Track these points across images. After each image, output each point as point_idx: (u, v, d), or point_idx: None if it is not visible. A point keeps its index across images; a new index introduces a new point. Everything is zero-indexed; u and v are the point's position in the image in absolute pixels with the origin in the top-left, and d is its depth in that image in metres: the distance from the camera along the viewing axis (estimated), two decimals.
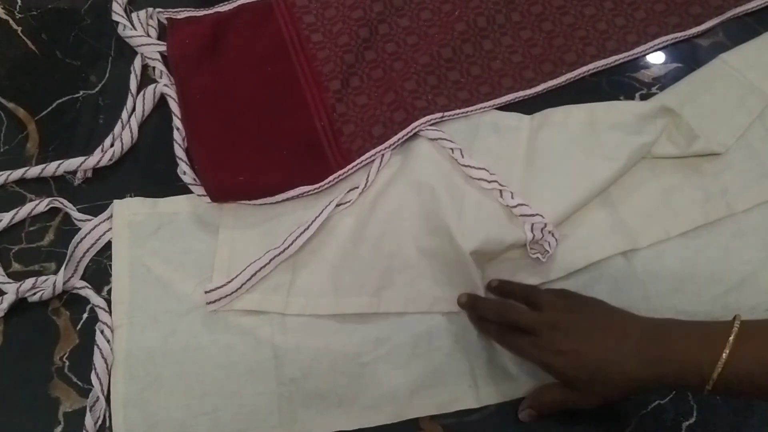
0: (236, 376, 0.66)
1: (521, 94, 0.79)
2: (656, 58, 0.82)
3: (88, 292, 0.68)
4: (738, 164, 0.74)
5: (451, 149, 0.73)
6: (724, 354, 0.51)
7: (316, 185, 0.72)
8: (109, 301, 0.69)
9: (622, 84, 0.81)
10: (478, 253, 0.67)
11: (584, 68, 0.81)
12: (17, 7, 0.85)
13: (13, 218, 0.72)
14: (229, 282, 0.67)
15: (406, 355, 0.66)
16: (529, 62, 0.81)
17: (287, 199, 0.72)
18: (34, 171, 0.74)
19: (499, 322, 0.64)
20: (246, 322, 0.68)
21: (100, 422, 0.64)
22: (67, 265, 0.68)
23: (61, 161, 0.74)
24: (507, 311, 0.63)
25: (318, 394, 0.65)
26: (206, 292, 0.67)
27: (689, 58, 0.82)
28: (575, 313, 0.60)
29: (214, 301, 0.67)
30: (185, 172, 0.73)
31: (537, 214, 0.69)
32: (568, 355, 0.57)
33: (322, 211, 0.70)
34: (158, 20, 0.84)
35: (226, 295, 0.67)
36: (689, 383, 0.53)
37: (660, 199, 0.73)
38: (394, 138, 0.74)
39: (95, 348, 0.66)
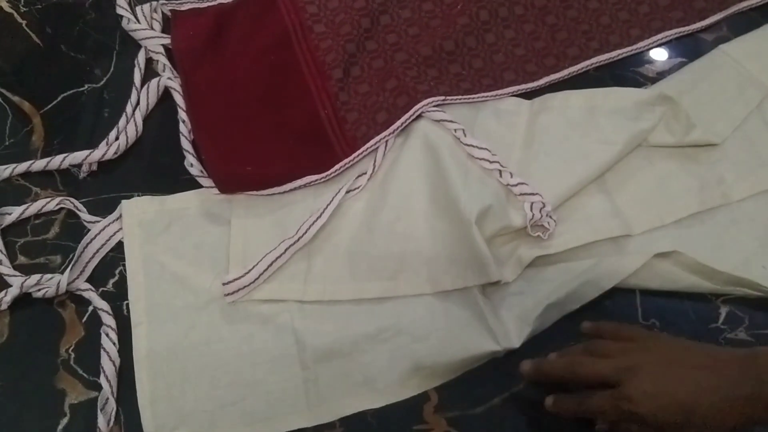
0: (260, 364, 0.66)
1: (524, 87, 0.79)
2: (660, 54, 0.82)
3: (91, 295, 0.68)
4: (734, 154, 0.74)
5: (455, 129, 0.73)
6: None
7: (323, 174, 0.73)
8: (114, 294, 0.69)
9: (625, 79, 0.80)
10: (481, 226, 0.67)
11: (587, 62, 0.81)
12: (22, 1, 0.85)
13: (22, 214, 0.72)
14: (247, 273, 0.68)
15: (426, 329, 0.67)
16: (531, 56, 0.81)
17: (295, 188, 0.73)
18: (39, 164, 0.74)
19: (571, 380, 0.57)
20: (265, 310, 0.68)
21: (112, 422, 0.64)
22: (74, 266, 0.69)
23: (66, 154, 0.74)
24: (578, 365, 0.57)
25: (343, 375, 0.65)
26: (224, 284, 0.68)
27: (693, 53, 0.81)
28: (655, 352, 0.55)
29: (233, 293, 0.68)
30: (192, 165, 0.73)
31: (536, 194, 0.70)
32: (660, 398, 0.51)
33: (333, 199, 0.71)
34: (162, 13, 0.84)
35: (244, 286, 0.68)
36: None
37: (655, 187, 0.73)
38: (398, 122, 0.75)
39: (102, 351, 0.66)
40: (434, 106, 0.75)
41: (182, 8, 0.83)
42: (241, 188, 0.72)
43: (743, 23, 0.83)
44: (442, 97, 0.76)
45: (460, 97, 0.77)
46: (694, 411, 0.50)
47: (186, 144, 0.75)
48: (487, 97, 0.78)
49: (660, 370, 0.53)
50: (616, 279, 0.66)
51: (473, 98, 0.78)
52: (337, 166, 0.73)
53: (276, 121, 0.77)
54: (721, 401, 0.50)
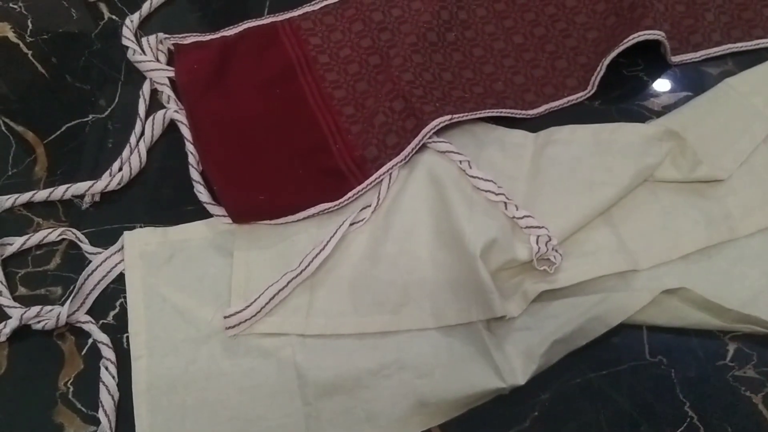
0: (261, 399, 0.65)
1: (523, 113, 0.80)
2: (665, 87, 0.82)
3: (91, 327, 0.68)
4: (741, 189, 0.74)
5: (460, 161, 0.73)
6: None
7: (337, 202, 0.73)
8: (115, 327, 0.69)
9: (631, 112, 0.80)
10: (486, 259, 0.67)
11: (583, 92, 0.81)
12: (28, 31, 0.86)
13: (23, 244, 0.72)
14: (248, 306, 0.67)
15: (430, 364, 0.66)
16: (531, 84, 0.82)
17: (306, 217, 0.73)
18: (41, 194, 0.74)
19: None
20: (266, 344, 0.67)
21: None
22: (74, 297, 0.68)
23: (69, 185, 0.74)
24: None
25: (345, 411, 0.64)
26: (225, 317, 0.67)
27: (698, 86, 0.81)
28: None
29: (234, 326, 0.67)
30: (201, 192, 0.73)
31: (543, 227, 0.69)
32: None
33: (337, 231, 0.70)
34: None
35: (246, 320, 0.67)
36: None
37: (662, 221, 0.73)
38: (409, 147, 0.74)
39: (101, 385, 0.65)
40: (441, 129, 0.75)
41: (185, 42, 0.84)
42: (255, 217, 0.72)
43: (749, 57, 0.83)
44: (449, 117, 0.75)
45: (466, 114, 0.76)
46: None
47: (195, 174, 0.75)
48: (492, 113, 0.78)
49: None
50: (623, 315, 0.65)
51: (479, 114, 0.77)
52: (350, 193, 0.73)
53: (285, 152, 0.77)
54: None
